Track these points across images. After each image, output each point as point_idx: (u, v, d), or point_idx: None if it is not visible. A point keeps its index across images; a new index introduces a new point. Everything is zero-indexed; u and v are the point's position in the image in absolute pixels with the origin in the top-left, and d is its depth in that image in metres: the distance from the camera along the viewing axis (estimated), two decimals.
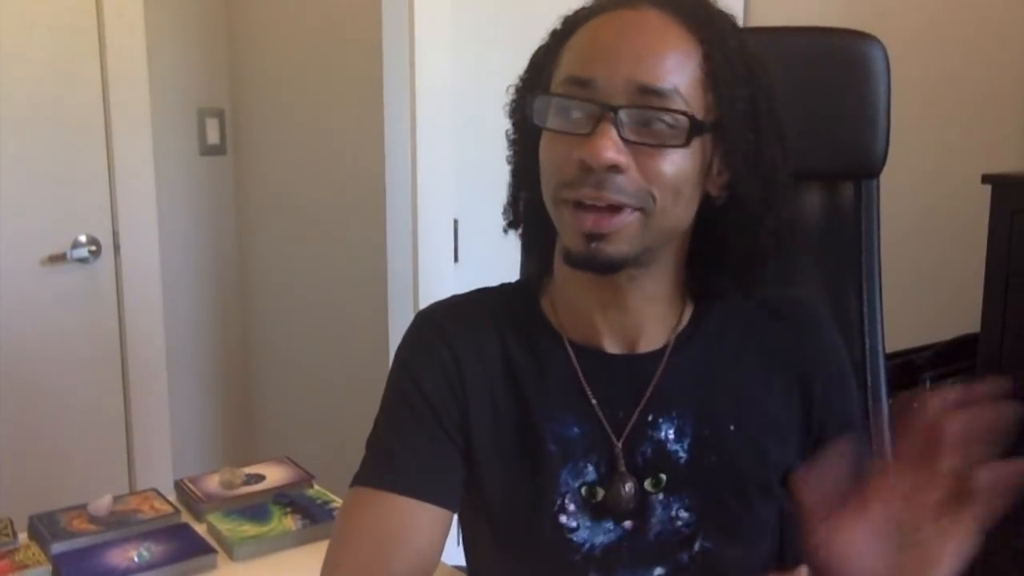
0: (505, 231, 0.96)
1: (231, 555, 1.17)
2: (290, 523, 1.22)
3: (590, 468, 0.88)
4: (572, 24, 0.87)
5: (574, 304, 0.91)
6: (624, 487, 0.87)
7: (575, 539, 0.88)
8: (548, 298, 0.94)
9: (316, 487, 1.36)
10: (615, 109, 0.79)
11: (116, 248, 2.20)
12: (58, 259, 2.11)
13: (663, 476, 0.88)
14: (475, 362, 0.90)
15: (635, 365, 0.90)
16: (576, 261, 0.83)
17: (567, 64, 0.84)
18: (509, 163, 0.94)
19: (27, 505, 1.30)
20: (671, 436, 0.88)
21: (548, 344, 0.91)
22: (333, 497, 1.31)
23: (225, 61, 2.53)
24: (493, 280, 1.00)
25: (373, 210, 2.05)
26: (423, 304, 2.19)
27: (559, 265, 0.90)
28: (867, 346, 1.23)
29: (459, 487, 0.90)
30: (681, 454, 0.88)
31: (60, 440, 2.16)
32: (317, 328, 2.38)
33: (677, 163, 0.80)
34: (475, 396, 0.90)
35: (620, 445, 0.88)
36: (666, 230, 0.84)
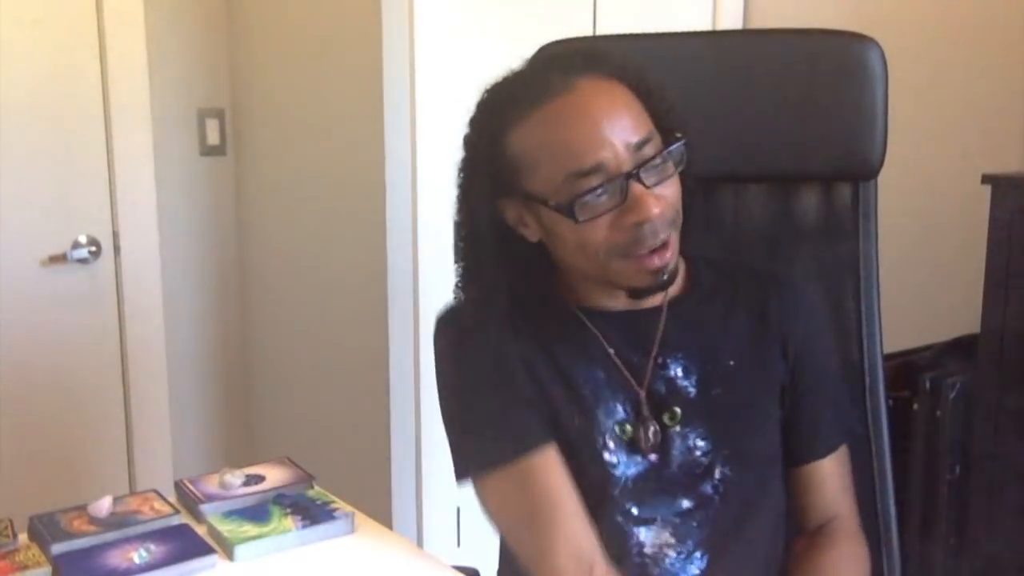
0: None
1: (231, 556, 1.17)
2: (290, 524, 1.22)
3: (619, 408, 1.01)
4: (511, 119, 0.95)
5: (584, 284, 1.04)
6: (649, 430, 1.00)
7: (616, 473, 1.00)
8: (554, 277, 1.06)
9: (316, 488, 1.35)
10: (633, 174, 0.91)
11: (116, 248, 2.20)
12: (58, 259, 2.11)
13: (677, 410, 1.01)
14: (511, 341, 1.01)
15: (640, 318, 1.04)
16: (648, 292, 1.00)
17: (557, 161, 0.93)
18: (457, 261, 1.03)
19: (27, 505, 1.30)
20: (679, 374, 1.02)
21: (562, 313, 1.04)
22: (333, 498, 1.31)
23: (225, 61, 2.53)
24: None
25: (373, 210, 2.05)
26: (423, 304, 2.19)
27: (578, 269, 1.02)
28: (865, 348, 1.23)
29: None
30: (690, 389, 1.02)
31: (60, 440, 2.16)
32: (317, 328, 2.38)
33: (676, 180, 0.96)
34: (518, 365, 1.01)
35: (644, 390, 1.01)
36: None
